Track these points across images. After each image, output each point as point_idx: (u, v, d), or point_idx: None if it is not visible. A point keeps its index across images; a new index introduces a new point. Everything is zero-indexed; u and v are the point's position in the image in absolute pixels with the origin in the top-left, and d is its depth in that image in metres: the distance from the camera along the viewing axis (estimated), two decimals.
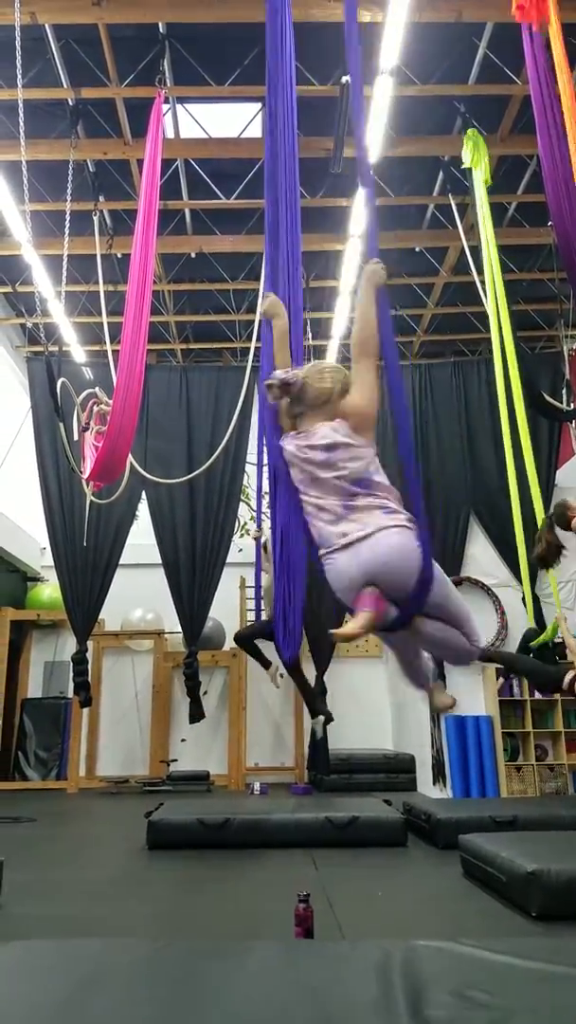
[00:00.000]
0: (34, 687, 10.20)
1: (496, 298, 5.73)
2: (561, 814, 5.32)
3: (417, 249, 9.30)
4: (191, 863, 4.76)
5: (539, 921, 3.39)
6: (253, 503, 7.74)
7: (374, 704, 9.90)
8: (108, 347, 7.64)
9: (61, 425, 5.96)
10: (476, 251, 6.62)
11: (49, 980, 2.00)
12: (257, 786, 8.15)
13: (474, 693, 7.99)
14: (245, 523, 9.58)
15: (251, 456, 8.21)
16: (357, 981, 1.95)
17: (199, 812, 5.33)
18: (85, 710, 8.96)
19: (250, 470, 8.53)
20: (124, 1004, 1.83)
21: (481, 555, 8.39)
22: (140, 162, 6.65)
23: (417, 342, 11.17)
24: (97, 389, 6.71)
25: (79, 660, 8.35)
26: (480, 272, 6.42)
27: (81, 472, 6.33)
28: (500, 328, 5.77)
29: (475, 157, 5.85)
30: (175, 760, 9.44)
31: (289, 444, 2.48)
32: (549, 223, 6.04)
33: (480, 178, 5.90)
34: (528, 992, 1.88)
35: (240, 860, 4.78)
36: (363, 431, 2.42)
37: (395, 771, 8.61)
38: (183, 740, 9.64)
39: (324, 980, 1.97)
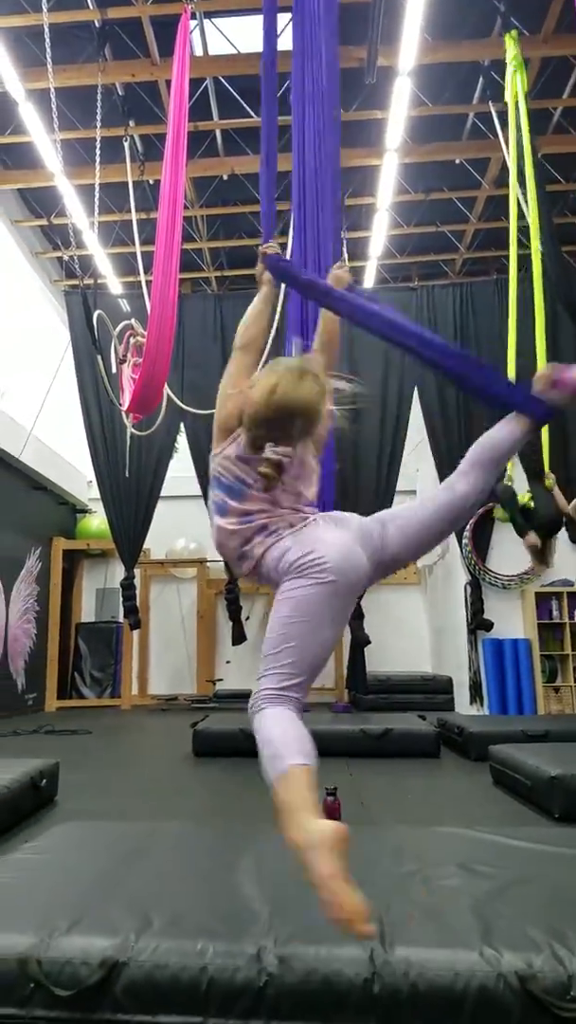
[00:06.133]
0: (87, 612, 10.72)
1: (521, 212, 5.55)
2: None
3: (457, 161, 8.92)
4: (232, 768, 5.08)
5: (561, 822, 3.55)
6: None
7: (413, 629, 10.11)
8: (142, 277, 7.63)
9: (99, 358, 6.06)
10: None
11: (99, 852, 2.25)
12: None
13: (512, 617, 8.11)
14: None
15: None
16: (373, 856, 2.14)
17: (241, 724, 5.63)
18: (135, 633, 9.40)
19: None
20: (165, 870, 2.06)
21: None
22: (169, 83, 6.49)
23: (459, 259, 10.84)
24: (133, 321, 6.76)
25: (127, 586, 8.69)
26: (521, 185, 6.17)
27: (120, 404, 6.46)
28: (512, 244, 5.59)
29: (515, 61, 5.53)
30: (220, 680, 9.87)
31: None
32: None
33: (512, 87, 5.61)
34: (529, 868, 2.05)
35: None
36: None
37: (432, 692, 8.86)
38: (228, 662, 10.05)
39: None
